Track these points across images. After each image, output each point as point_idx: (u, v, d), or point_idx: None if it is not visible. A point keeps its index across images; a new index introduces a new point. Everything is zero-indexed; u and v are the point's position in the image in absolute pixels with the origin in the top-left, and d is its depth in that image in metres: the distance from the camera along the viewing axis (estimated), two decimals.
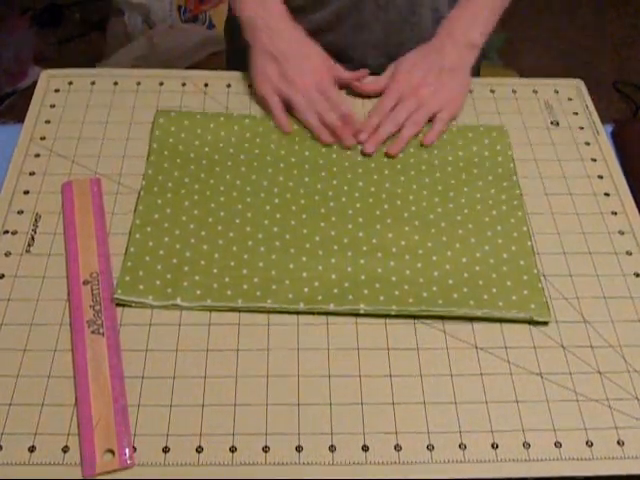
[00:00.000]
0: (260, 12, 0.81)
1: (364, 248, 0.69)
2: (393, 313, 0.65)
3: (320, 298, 0.65)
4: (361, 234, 0.71)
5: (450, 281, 0.67)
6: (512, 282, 0.67)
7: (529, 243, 0.71)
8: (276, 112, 0.80)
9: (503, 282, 0.67)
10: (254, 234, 0.70)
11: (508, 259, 0.69)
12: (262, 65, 0.81)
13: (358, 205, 0.73)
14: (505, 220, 0.73)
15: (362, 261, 0.68)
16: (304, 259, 0.68)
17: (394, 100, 0.81)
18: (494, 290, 0.67)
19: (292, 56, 0.80)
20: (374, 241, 0.70)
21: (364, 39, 0.89)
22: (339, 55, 0.88)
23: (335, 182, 0.75)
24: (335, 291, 0.66)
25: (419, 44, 0.91)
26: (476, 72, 1.03)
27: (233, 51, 1.05)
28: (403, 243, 0.70)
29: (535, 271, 0.68)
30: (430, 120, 0.81)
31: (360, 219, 0.72)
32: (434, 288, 0.66)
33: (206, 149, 0.77)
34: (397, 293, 0.66)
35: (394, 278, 0.67)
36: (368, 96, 0.84)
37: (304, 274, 0.67)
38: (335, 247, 0.69)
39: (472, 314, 0.65)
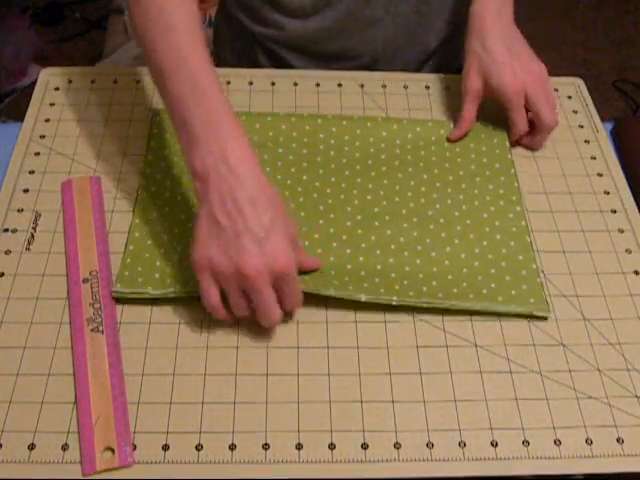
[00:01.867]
0: (214, 163, 0.58)
1: (363, 245, 0.69)
2: (394, 303, 0.64)
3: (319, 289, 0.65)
4: (360, 231, 0.71)
5: (449, 277, 0.67)
6: (511, 277, 0.67)
7: (528, 238, 0.71)
8: (210, 304, 0.59)
9: (502, 277, 0.67)
10: None
11: (507, 254, 0.69)
12: (205, 236, 0.58)
13: (356, 202, 0.73)
14: (503, 215, 0.73)
15: (361, 258, 0.68)
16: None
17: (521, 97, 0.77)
18: (493, 285, 0.67)
19: (246, 230, 0.57)
20: (373, 238, 0.70)
21: (375, 35, 0.88)
22: (349, 54, 0.88)
23: (333, 179, 0.75)
24: (335, 282, 0.66)
25: (429, 35, 0.90)
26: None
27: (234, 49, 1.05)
28: (402, 240, 0.70)
29: (534, 266, 0.68)
30: None
31: (358, 216, 0.72)
32: (433, 283, 0.66)
33: None
34: (397, 288, 0.66)
35: (393, 274, 0.67)
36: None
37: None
38: (334, 244, 0.69)
39: (471, 307, 0.65)
